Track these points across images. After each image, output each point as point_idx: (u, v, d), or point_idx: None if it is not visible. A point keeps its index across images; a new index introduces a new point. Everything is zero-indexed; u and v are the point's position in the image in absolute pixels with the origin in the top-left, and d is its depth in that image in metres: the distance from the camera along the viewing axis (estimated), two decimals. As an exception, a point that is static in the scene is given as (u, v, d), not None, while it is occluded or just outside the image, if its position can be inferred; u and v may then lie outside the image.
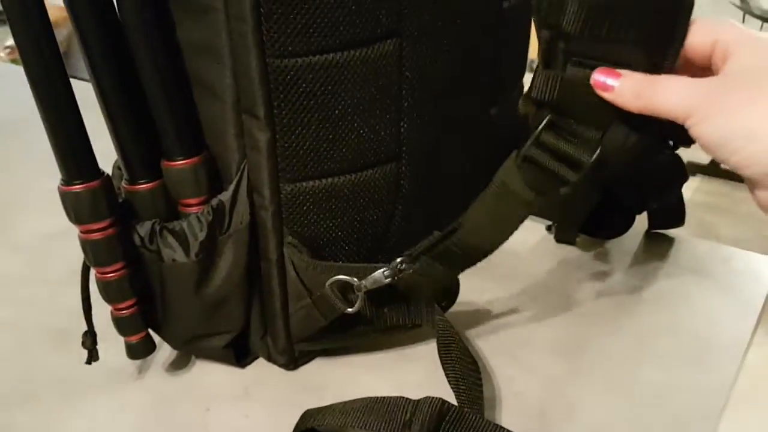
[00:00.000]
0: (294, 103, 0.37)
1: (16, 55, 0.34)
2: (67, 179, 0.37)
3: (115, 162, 0.43)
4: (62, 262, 0.55)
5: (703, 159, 2.00)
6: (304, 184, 0.40)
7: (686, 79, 0.33)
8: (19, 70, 0.35)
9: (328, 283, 0.40)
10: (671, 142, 0.37)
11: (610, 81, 0.34)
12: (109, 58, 0.36)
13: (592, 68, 0.34)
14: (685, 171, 0.51)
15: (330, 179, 0.40)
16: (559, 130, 0.37)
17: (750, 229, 1.82)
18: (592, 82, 0.34)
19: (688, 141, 0.34)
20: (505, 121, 0.49)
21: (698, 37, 0.33)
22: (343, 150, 0.40)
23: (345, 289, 0.41)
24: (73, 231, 0.40)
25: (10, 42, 2.18)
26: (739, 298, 0.52)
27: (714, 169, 2.00)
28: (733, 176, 2.00)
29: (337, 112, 0.38)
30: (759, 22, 1.70)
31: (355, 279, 0.40)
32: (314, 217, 0.41)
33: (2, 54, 2.42)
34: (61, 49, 0.36)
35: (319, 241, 0.42)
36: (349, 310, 0.41)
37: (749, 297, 0.52)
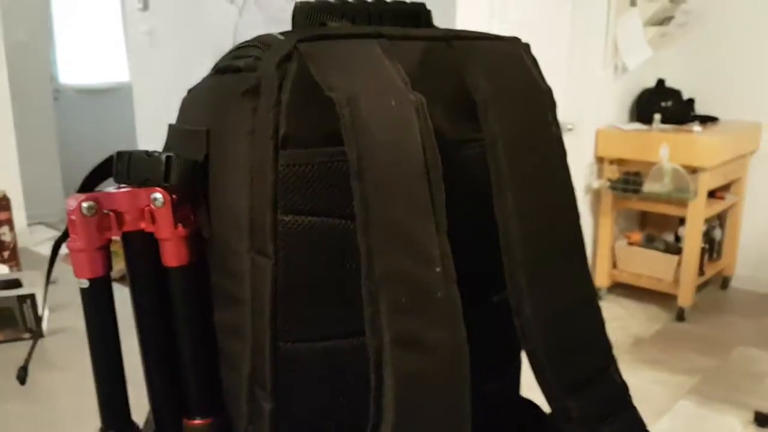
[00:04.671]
0: (295, 380, 0.45)
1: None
2: (104, 428, 0.45)
3: (149, 414, 0.51)
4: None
5: None
6: (299, 450, 0.46)
7: None
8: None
9: None
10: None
11: None
12: (158, 336, 0.47)
13: None
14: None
15: (323, 446, 0.46)
16: None
17: None
18: None
19: None
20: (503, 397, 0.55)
21: None
22: (338, 420, 0.46)
23: None
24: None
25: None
26: None
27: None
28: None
29: (334, 388, 0.46)
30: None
31: None
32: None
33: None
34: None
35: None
36: None
37: None
